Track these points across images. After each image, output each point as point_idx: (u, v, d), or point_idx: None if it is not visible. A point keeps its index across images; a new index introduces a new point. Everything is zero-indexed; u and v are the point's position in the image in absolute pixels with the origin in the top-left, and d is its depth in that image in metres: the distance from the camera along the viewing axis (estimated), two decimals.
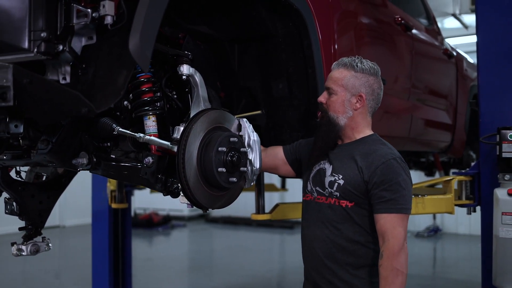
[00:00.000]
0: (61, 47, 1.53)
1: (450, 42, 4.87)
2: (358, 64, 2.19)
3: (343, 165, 2.19)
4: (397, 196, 2.08)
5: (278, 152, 2.47)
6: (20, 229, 2.42)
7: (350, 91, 2.18)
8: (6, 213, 2.44)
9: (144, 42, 1.50)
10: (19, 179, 2.44)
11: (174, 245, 10.47)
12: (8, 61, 1.49)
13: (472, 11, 7.46)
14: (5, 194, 2.41)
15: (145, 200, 10.83)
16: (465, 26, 9.29)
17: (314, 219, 2.25)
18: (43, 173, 2.62)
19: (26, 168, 2.53)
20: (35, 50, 1.50)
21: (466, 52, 5.32)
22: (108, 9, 1.51)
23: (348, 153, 2.21)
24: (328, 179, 2.21)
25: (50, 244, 2.49)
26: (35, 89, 1.46)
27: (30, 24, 1.49)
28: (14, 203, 2.39)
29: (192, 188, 1.85)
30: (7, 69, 1.41)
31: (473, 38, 8.54)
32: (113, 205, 4.03)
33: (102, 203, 4.65)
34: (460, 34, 9.21)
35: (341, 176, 2.17)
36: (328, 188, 2.20)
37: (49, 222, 2.46)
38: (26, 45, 1.50)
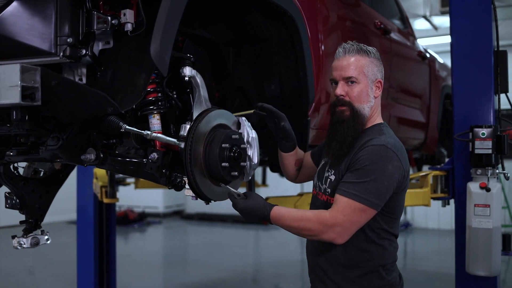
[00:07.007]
0: (84, 51, 1.65)
1: (421, 43, 5.00)
2: (369, 49, 2.09)
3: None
4: (358, 181, 1.90)
5: (309, 160, 2.41)
6: (21, 222, 2.50)
7: (370, 78, 2.08)
8: (6, 207, 2.52)
9: (163, 47, 1.61)
10: (17, 174, 2.52)
11: (151, 241, 10.46)
12: (33, 63, 1.59)
13: (442, 13, 7.71)
14: (5, 189, 2.50)
15: (120, 197, 10.75)
16: (435, 28, 9.57)
17: None
18: (40, 169, 2.71)
19: (22, 164, 2.60)
20: (61, 54, 1.61)
21: (437, 53, 5.46)
22: (128, 17, 1.64)
23: None
24: (325, 174, 2.14)
25: (47, 237, 2.58)
26: (63, 90, 1.57)
27: (56, 30, 1.60)
28: (15, 198, 2.48)
29: (198, 181, 1.98)
30: (35, 71, 1.52)
31: (443, 39, 8.81)
32: (105, 200, 4.12)
33: (87, 199, 4.72)
34: (430, 35, 9.51)
35: (333, 172, 2.08)
36: (324, 184, 2.13)
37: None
38: (52, 49, 1.60)
